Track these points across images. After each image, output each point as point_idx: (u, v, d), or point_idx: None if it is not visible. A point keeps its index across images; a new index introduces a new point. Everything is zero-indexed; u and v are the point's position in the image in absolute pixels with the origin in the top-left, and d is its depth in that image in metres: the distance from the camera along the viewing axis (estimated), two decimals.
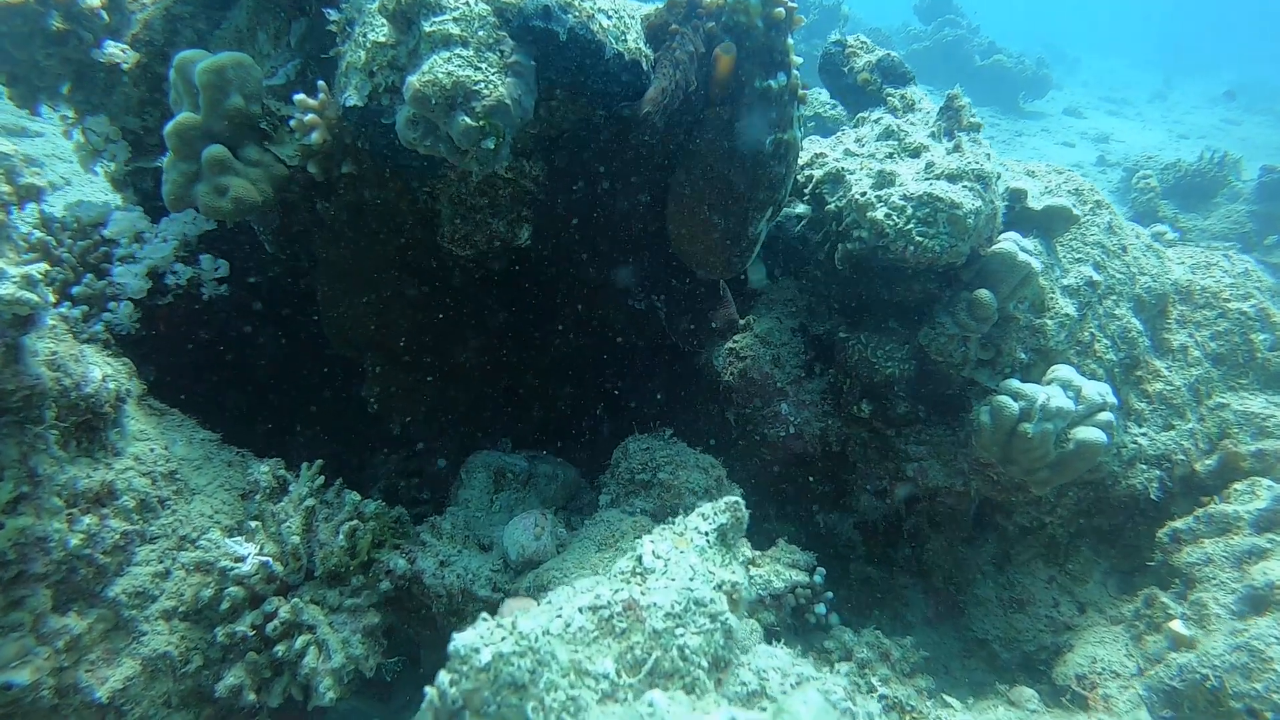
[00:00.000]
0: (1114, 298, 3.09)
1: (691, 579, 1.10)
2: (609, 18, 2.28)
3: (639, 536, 2.45)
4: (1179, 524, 2.96)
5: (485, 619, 1.04)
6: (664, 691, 0.93)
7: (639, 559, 1.18)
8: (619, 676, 0.95)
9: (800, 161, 2.92)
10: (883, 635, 2.67)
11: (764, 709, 1.02)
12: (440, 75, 2.00)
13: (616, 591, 1.06)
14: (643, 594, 1.06)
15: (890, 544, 3.28)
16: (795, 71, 2.47)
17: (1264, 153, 12.99)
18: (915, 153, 2.71)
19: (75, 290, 2.69)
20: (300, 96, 2.37)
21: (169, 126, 2.37)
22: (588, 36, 2.19)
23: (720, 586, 1.13)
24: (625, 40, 2.32)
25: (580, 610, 1.03)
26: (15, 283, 1.76)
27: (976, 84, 13.96)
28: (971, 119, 2.90)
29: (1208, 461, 3.15)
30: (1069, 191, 3.16)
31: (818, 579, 2.68)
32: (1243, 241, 8.79)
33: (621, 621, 1.01)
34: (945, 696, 2.62)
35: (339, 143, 2.44)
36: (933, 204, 2.46)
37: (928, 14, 16.04)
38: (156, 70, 2.87)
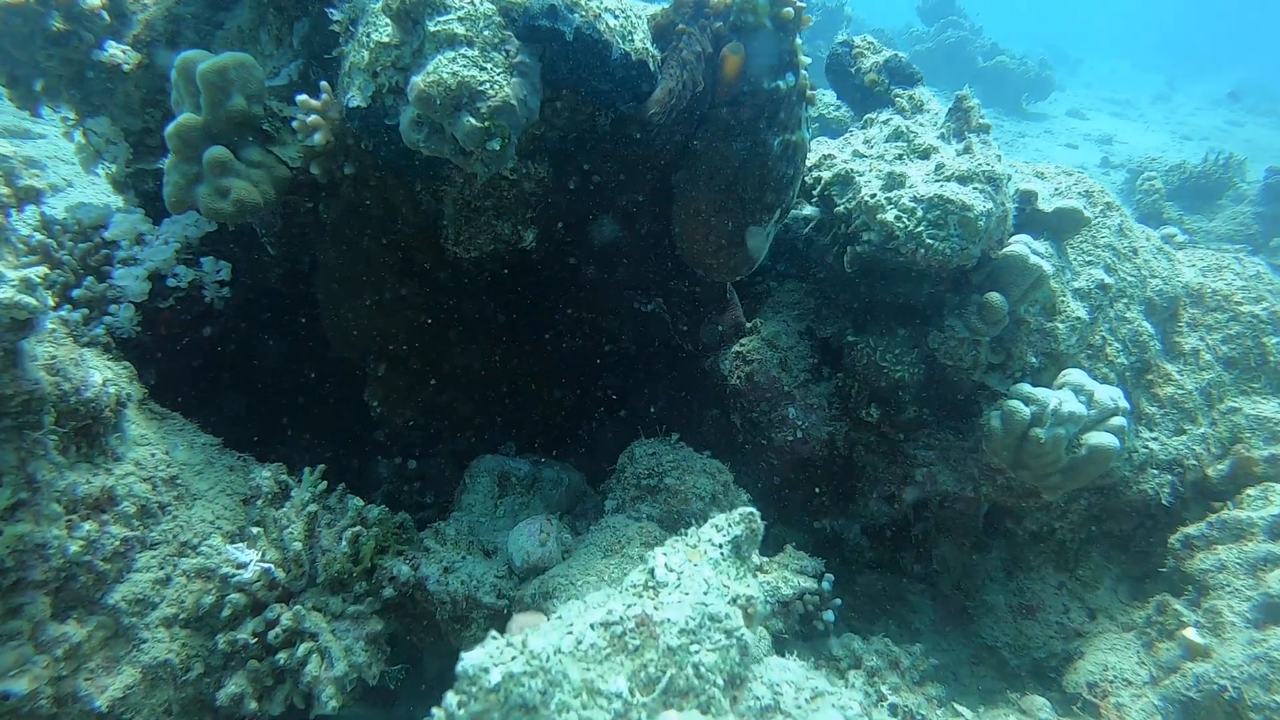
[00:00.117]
0: (1125, 301, 3.05)
1: (706, 593, 1.07)
2: (615, 17, 2.25)
3: (645, 542, 2.43)
4: (1191, 530, 2.92)
5: (495, 637, 1.00)
6: (679, 712, 0.90)
7: (651, 572, 1.15)
8: (632, 696, 0.91)
9: (808, 163, 2.89)
10: (892, 643, 2.63)
11: None
12: (445, 75, 1.97)
13: (629, 606, 1.03)
14: (656, 609, 1.03)
15: (898, 549, 3.24)
16: (804, 72, 2.44)
17: (1268, 154, 12.94)
18: (925, 154, 2.68)
19: (75, 293, 2.66)
20: (303, 97, 2.35)
21: (170, 127, 2.35)
22: (594, 36, 2.16)
23: (735, 600, 1.10)
24: (632, 40, 2.29)
25: (592, 626, 1.00)
26: (14, 286, 1.73)
27: (979, 85, 13.92)
28: (981, 120, 2.87)
29: (1220, 466, 3.11)
30: (1079, 193, 3.13)
31: (826, 585, 2.65)
32: (1248, 243, 8.75)
33: (634, 638, 0.98)
34: (956, 705, 2.58)
35: (341, 144, 2.41)
36: (943, 206, 2.43)
37: (930, 15, 16.01)
38: (158, 71, 2.84)
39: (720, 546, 1.19)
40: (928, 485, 2.86)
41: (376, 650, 2.42)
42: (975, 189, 2.47)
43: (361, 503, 2.52)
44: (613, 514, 2.62)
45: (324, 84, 2.39)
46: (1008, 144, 12.85)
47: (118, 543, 2.18)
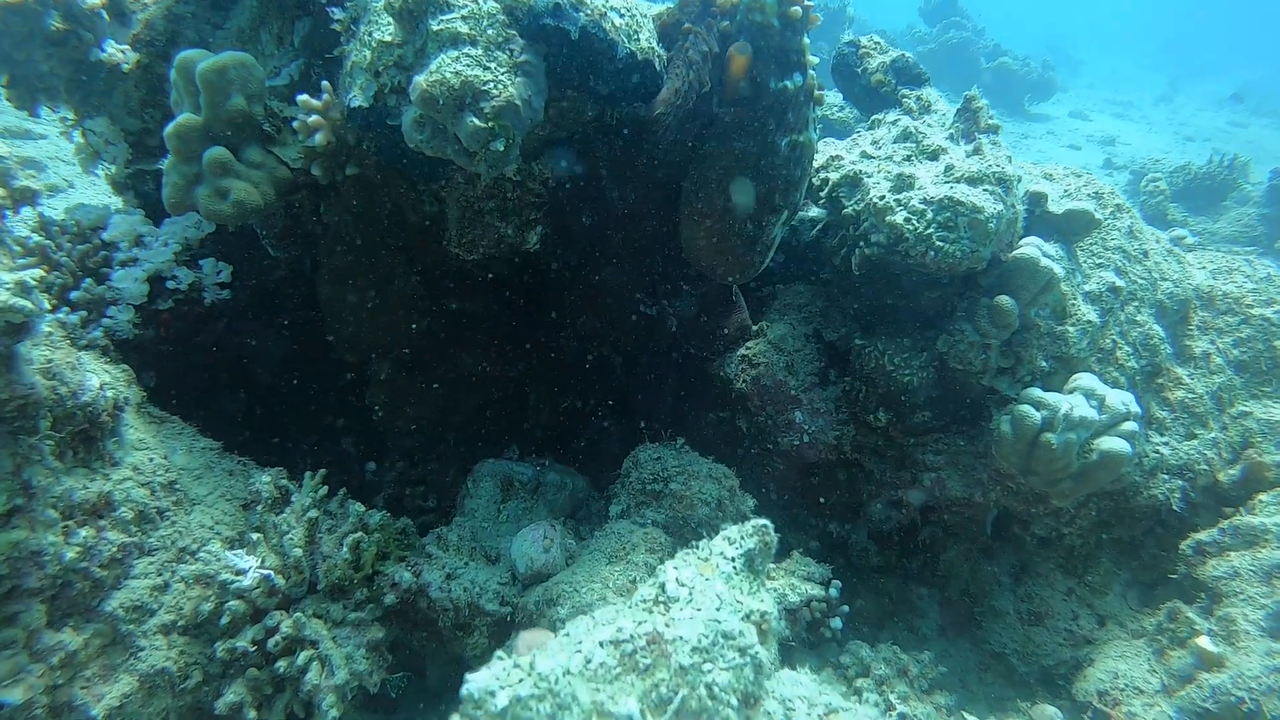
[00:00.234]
0: (1136, 304, 3.02)
1: (718, 609, 1.04)
2: (621, 16, 2.22)
3: (650, 548, 2.39)
4: (1203, 536, 2.89)
5: (501, 658, 0.97)
6: None
7: (662, 586, 1.11)
8: (643, 717, 0.88)
9: (815, 164, 2.85)
10: (900, 650, 2.60)
11: None
12: (448, 75, 1.94)
13: (640, 624, 0.99)
14: (667, 626, 0.99)
15: (905, 554, 3.21)
16: (811, 72, 2.40)
17: (1271, 156, 12.90)
18: (934, 155, 2.65)
19: (74, 295, 2.63)
20: (303, 97, 2.32)
21: (169, 128, 2.32)
22: (599, 35, 2.13)
23: (749, 616, 1.06)
24: (638, 39, 2.26)
25: (601, 644, 0.96)
26: (8, 289, 1.70)
27: (982, 86, 13.83)
28: (990, 121, 2.84)
29: (1231, 471, 3.08)
30: (1089, 195, 3.09)
31: (833, 592, 2.62)
32: (1254, 245, 8.71)
33: (645, 656, 0.95)
34: (965, 715, 2.55)
35: (343, 144, 2.38)
36: (953, 208, 2.40)
37: (933, 16, 15.97)
38: (158, 71, 2.81)
39: (733, 560, 1.16)
40: (936, 490, 2.82)
41: (378, 658, 2.39)
42: (985, 191, 2.44)
43: (363, 508, 2.49)
44: (617, 519, 2.58)
45: (325, 84, 2.36)
46: (1011, 145, 12.75)
47: (115, 549, 2.15)
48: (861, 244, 2.57)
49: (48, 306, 2.40)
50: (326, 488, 2.52)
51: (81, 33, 2.72)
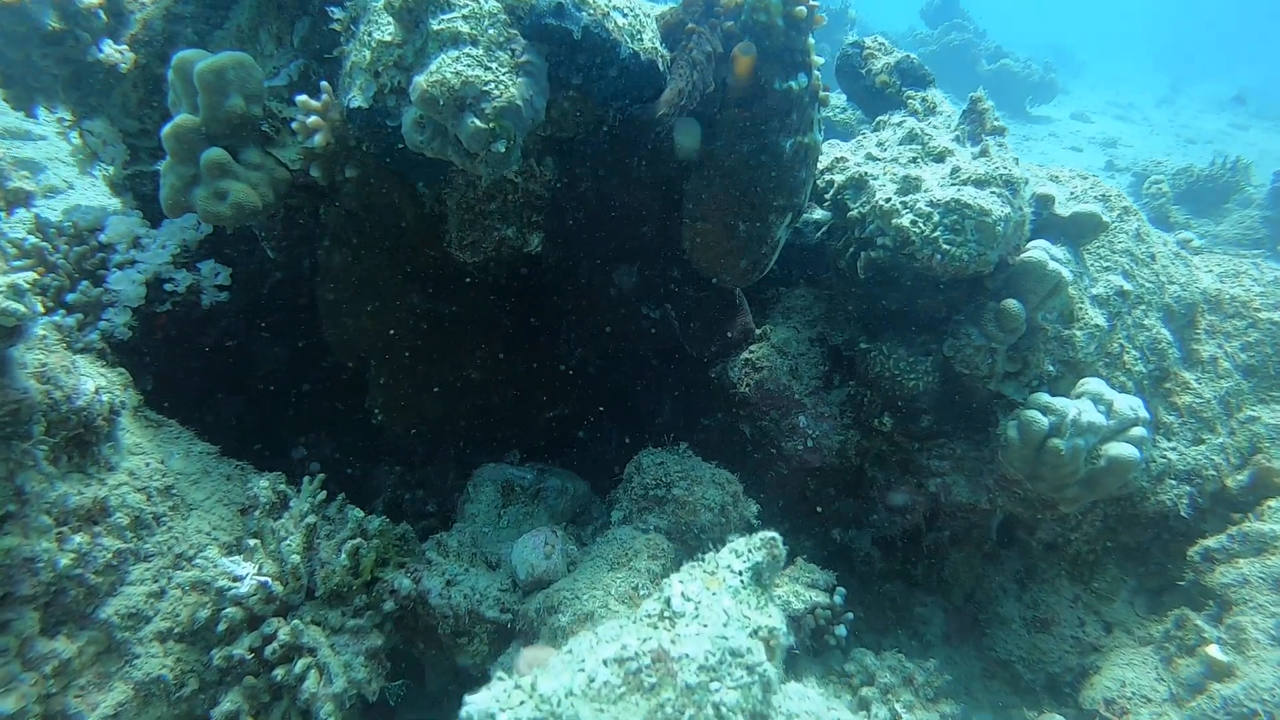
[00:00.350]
0: (1143, 307, 2.99)
1: (725, 625, 1.01)
2: (624, 16, 2.19)
3: (653, 555, 2.36)
4: (1211, 542, 2.86)
5: (501, 678, 0.94)
6: None
7: (667, 601, 1.08)
8: None
9: (819, 166, 2.82)
10: (905, 659, 2.56)
11: None
12: (449, 75, 1.91)
13: (644, 640, 0.96)
14: (673, 642, 0.96)
15: (909, 560, 3.18)
16: (816, 73, 2.38)
17: (1273, 158, 12.87)
18: (940, 157, 2.62)
19: (70, 298, 2.60)
20: (302, 98, 2.29)
21: (166, 128, 2.29)
22: (602, 35, 2.10)
23: (757, 633, 1.03)
24: (641, 39, 2.23)
25: (605, 663, 0.93)
26: (1, 293, 1.67)
27: (983, 88, 13.81)
28: (996, 122, 2.81)
29: (1239, 477, 3.05)
30: (1095, 197, 3.06)
31: (838, 599, 2.58)
32: (1256, 248, 8.68)
33: (650, 675, 0.91)
34: None
35: (342, 146, 2.36)
36: (960, 211, 2.37)
37: (934, 18, 15.95)
38: (156, 71, 2.79)
39: (740, 574, 1.13)
40: (942, 496, 2.79)
41: (376, 665, 2.35)
42: (992, 193, 2.41)
43: (361, 514, 2.46)
44: (619, 525, 2.55)
45: (324, 84, 2.33)
46: (1013, 147, 12.76)
47: (110, 555, 2.12)
48: (867, 247, 2.54)
49: (41, 310, 2.37)
50: (325, 492, 2.49)
51: (79, 32, 2.70)
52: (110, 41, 2.76)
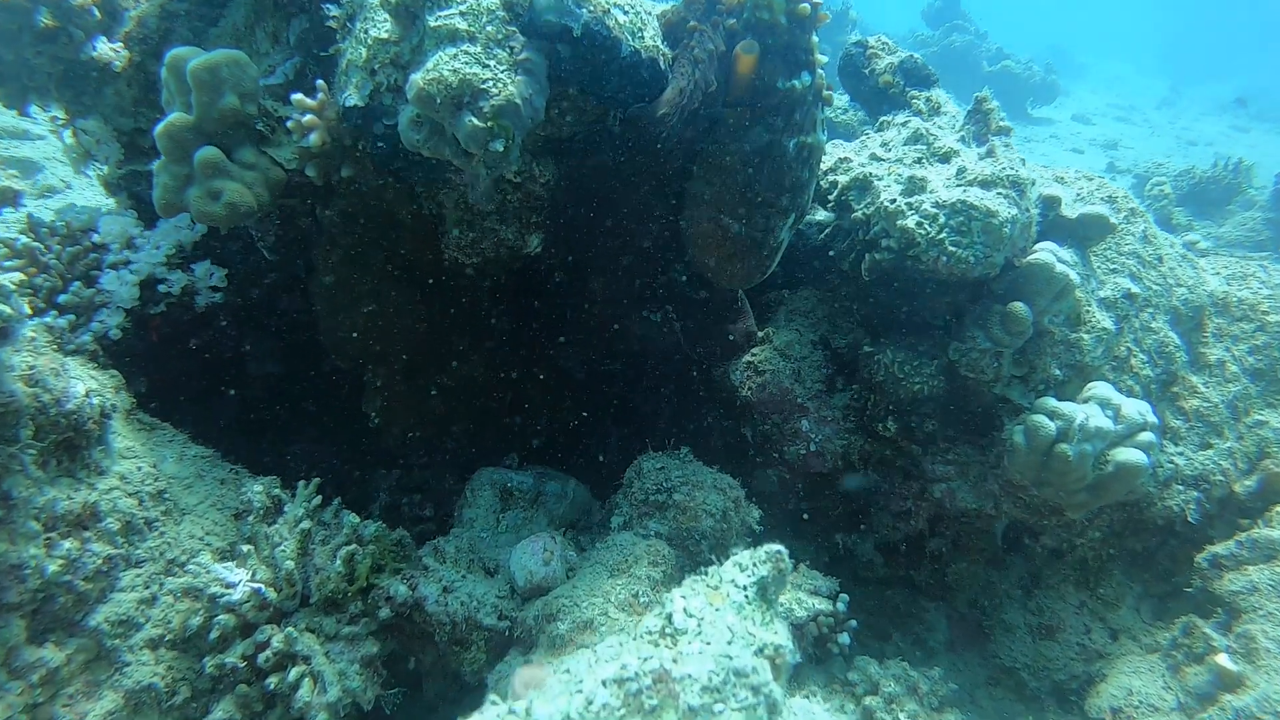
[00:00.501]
0: (1150, 310, 2.95)
1: (729, 642, 0.97)
2: (625, 13, 2.15)
3: (653, 561, 2.32)
4: (1219, 549, 2.82)
5: (495, 702, 0.90)
6: None
7: (669, 617, 1.04)
8: None
9: (823, 166, 2.79)
10: (910, 667, 2.52)
11: None
12: (446, 73, 1.88)
13: (645, 660, 0.92)
14: (675, 661, 0.92)
15: (912, 565, 3.14)
16: (820, 71, 2.34)
17: (1274, 160, 12.85)
18: (945, 157, 2.58)
19: (62, 298, 2.56)
20: (298, 96, 2.25)
21: (159, 127, 2.25)
22: (603, 33, 2.06)
23: (762, 651, 0.99)
24: (642, 37, 2.19)
25: (604, 683, 0.89)
26: None
27: (985, 90, 13.81)
28: (1001, 122, 2.77)
29: (1247, 482, 3.01)
30: (1102, 199, 3.02)
31: (841, 606, 2.54)
32: (1259, 250, 8.64)
33: (651, 696, 0.87)
34: None
35: (338, 145, 2.32)
36: (967, 212, 2.33)
37: (935, 19, 15.93)
38: (150, 69, 2.75)
39: (745, 589, 1.09)
40: (946, 502, 2.75)
41: (372, 674, 2.31)
42: (999, 194, 2.37)
43: (357, 519, 2.42)
44: (619, 531, 2.51)
45: (320, 83, 2.29)
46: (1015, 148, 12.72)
47: (100, 561, 2.08)
48: (871, 249, 2.51)
49: (29, 311, 2.33)
50: (320, 497, 2.45)
51: (72, 30, 2.66)
52: (104, 39, 2.73)
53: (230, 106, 2.27)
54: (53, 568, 1.95)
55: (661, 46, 2.28)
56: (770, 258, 2.55)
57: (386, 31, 2.06)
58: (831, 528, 3.06)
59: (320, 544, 2.37)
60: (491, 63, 1.92)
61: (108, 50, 2.74)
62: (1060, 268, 2.41)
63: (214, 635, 2.15)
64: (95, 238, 2.75)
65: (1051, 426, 2.39)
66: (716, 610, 1.04)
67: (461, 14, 1.94)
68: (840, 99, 5.87)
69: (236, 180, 2.32)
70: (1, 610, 1.83)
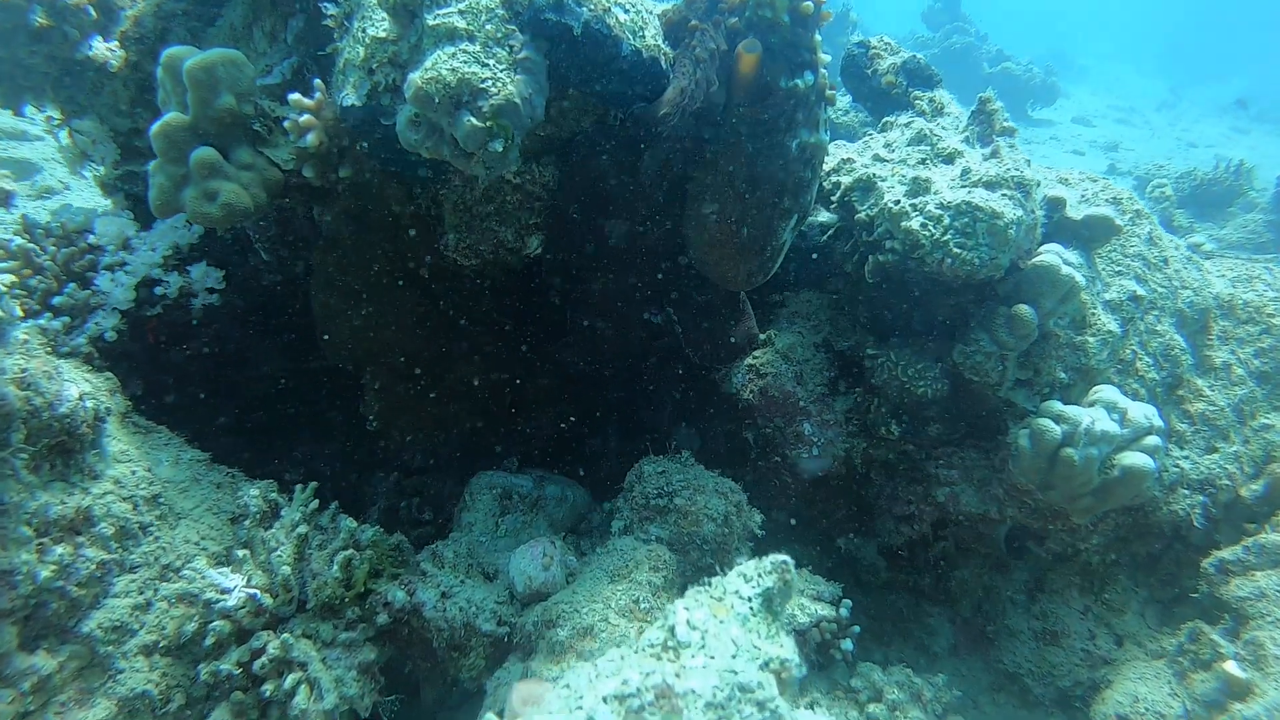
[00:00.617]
0: (1156, 313, 2.92)
1: (734, 656, 0.94)
2: (625, 12, 2.12)
3: (654, 566, 2.29)
4: (1226, 554, 2.79)
5: None
6: None
7: (672, 630, 1.01)
8: None
9: (825, 167, 2.76)
10: (913, 674, 2.50)
11: None
12: (444, 72, 1.85)
13: (647, 675, 0.89)
14: (678, 676, 0.89)
15: (916, 570, 3.11)
16: (823, 70, 2.31)
17: (1274, 162, 12.83)
18: (949, 158, 2.55)
19: (56, 300, 2.54)
20: (295, 96, 2.23)
21: (155, 127, 2.23)
22: (603, 31, 2.04)
23: (768, 665, 0.96)
24: (643, 36, 2.17)
25: (605, 700, 0.86)
26: None
27: (985, 91, 13.79)
28: (1005, 123, 2.75)
29: (1254, 486, 2.98)
30: (1107, 200, 3.00)
31: (844, 612, 2.52)
32: (1260, 252, 8.62)
33: (653, 713, 0.84)
34: None
35: (336, 145, 2.29)
36: (972, 213, 2.30)
37: (935, 21, 15.92)
38: (147, 69, 2.73)
39: (749, 600, 1.06)
40: (950, 506, 2.72)
41: (369, 680, 2.29)
42: (1004, 195, 2.35)
43: (354, 524, 2.39)
44: (620, 535, 2.49)
45: (318, 82, 2.27)
46: None
47: (94, 566, 2.05)
48: (875, 250, 2.48)
49: (20, 313, 2.30)
50: (317, 501, 2.42)
51: (67, 29, 2.63)
52: (100, 38, 2.70)
53: (227, 106, 2.25)
54: (45, 573, 1.91)
55: (663, 45, 2.25)
56: (772, 259, 2.52)
57: (384, 30, 2.03)
58: (834, 531, 3.03)
59: (317, 549, 2.34)
60: (490, 62, 1.89)
61: (103, 50, 2.72)
62: (1066, 270, 2.39)
63: (209, 641, 2.12)
64: (91, 239, 2.72)
65: (1057, 430, 2.36)
66: (720, 623, 1.01)
67: (460, 12, 1.91)
68: (842, 100, 5.84)
69: (233, 181, 2.29)
70: None
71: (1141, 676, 2.80)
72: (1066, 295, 2.42)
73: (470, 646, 2.32)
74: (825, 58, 2.31)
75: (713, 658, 0.94)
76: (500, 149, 1.91)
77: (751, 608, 1.05)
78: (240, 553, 2.28)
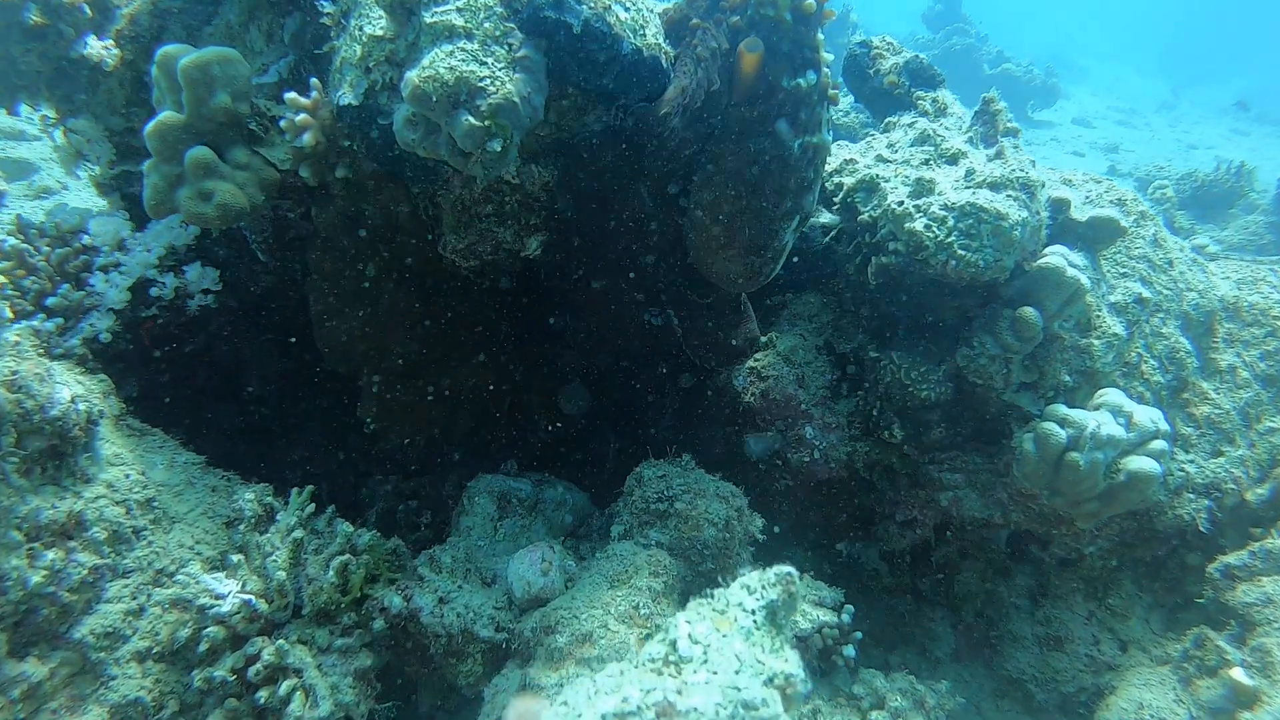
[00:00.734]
0: (1161, 315, 2.90)
1: (737, 672, 0.91)
2: (626, 10, 2.10)
3: (654, 572, 2.26)
4: (1232, 559, 2.76)
5: None
6: None
7: (673, 644, 0.98)
8: None
9: (828, 168, 2.73)
10: (916, 681, 2.47)
11: None
12: (442, 70, 1.82)
13: (648, 692, 0.86)
14: (679, 693, 0.87)
15: (918, 575, 3.08)
16: (826, 70, 2.29)
17: (1275, 163, 12.82)
18: (953, 159, 2.53)
19: (50, 301, 2.51)
20: (291, 95, 2.20)
21: (149, 127, 2.20)
22: (604, 30, 2.01)
23: (772, 680, 0.93)
24: (644, 35, 2.14)
25: (604, 717, 0.83)
26: None
27: (985, 92, 13.77)
28: (1009, 124, 2.72)
29: (1259, 491, 2.95)
30: (1111, 201, 2.97)
31: (846, 618, 2.49)
32: (1261, 254, 8.60)
33: None
34: None
35: (333, 145, 2.27)
36: (976, 215, 2.27)
37: (936, 22, 15.90)
38: (142, 68, 2.70)
39: (753, 613, 1.03)
40: (953, 510, 2.70)
41: (365, 687, 2.26)
42: (1009, 196, 2.32)
43: (351, 528, 2.36)
44: (620, 540, 2.45)
45: (314, 81, 2.24)
46: None
47: (86, 572, 2.02)
48: (878, 252, 2.45)
49: (10, 315, 2.27)
50: (314, 505, 2.40)
51: (61, 27, 2.60)
52: (94, 37, 2.67)
53: (222, 105, 2.22)
54: (36, 579, 1.89)
55: (663, 44, 2.23)
56: (774, 260, 2.50)
57: (381, 28, 2.00)
58: (836, 536, 3.01)
59: (313, 553, 2.31)
60: (489, 60, 1.87)
61: (99, 48, 2.69)
62: (1071, 272, 2.36)
63: (203, 648, 2.09)
64: (85, 239, 2.69)
65: (1062, 434, 2.33)
66: (724, 637, 0.98)
67: (459, 10, 1.89)
68: (844, 100, 5.81)
69: (228, 181, 2.26)
70: None
71: (1146, 683, 2.77)
72: (1071, 298, 2.40)
73: (468, 653, 2.29)
74: (828, 57, 2.28)
75: (716, 673, 0.91)
76: (499, 149, 1.89)
77: (755, 621, 1.02)
78: (235, 558, 2.25)
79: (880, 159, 2.61)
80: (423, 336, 2.69)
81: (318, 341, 2.70)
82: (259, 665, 2.11)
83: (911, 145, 2.63)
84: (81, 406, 2.08)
